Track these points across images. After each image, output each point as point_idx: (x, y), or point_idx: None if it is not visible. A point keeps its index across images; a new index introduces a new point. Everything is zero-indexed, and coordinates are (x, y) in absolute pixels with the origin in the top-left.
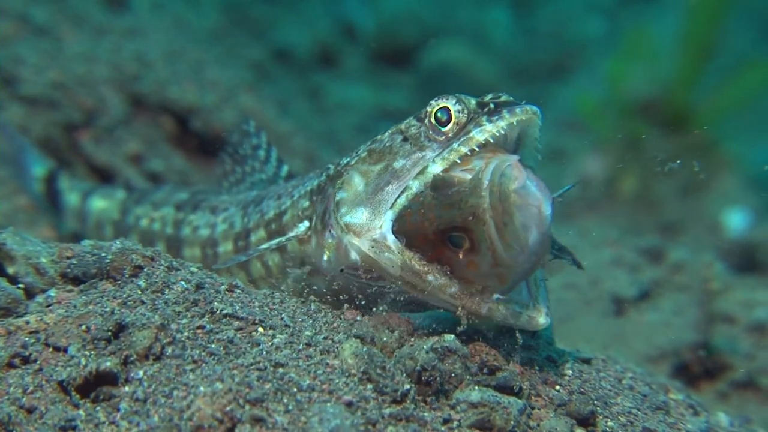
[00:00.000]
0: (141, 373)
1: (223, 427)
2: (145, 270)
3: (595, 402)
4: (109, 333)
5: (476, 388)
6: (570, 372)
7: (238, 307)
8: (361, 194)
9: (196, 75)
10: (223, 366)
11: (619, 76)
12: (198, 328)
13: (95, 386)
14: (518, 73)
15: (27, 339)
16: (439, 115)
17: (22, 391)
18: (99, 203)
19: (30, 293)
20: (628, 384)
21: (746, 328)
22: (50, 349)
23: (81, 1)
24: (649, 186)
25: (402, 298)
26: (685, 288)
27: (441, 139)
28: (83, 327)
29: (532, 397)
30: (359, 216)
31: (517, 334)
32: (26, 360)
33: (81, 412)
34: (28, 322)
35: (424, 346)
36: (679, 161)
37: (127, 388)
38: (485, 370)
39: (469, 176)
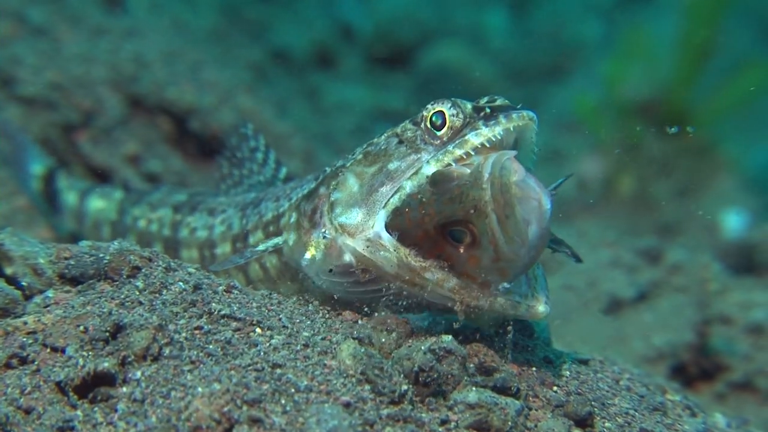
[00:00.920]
0: (139, 373)
1: (221, 427)
2: (143, 271)
3: (593, 403)
4: (107, 334)
5: (474, 388)
6: (567, 373)
7: (235, 308)
8: (356, 195)
9: (194, 75)
10: (221, 367)
11: (617, 78)
12: (196, 328)
13: (93, 387)
14: (516, 74)
15: (25, 340)
16: (434, 118)
17: (19, 392)
18: (97, 203)
19: (28, 294)
20: (626, 385)
21: (744, 329)
22: (48, 350)
23: (79, 2)
24: (647, 187)
25: (400, 302)
26: (683, 289)
27: (436, 142)
28: (81, 328)
29: (530, 398)
30: (354, 216)
31: (509, 336)
32: (24, 361)
33: (79, 412)
34: (26, 323)
35: (422, 347)
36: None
37: (124, 389)
38: (483, 371)
39: (468, 171)
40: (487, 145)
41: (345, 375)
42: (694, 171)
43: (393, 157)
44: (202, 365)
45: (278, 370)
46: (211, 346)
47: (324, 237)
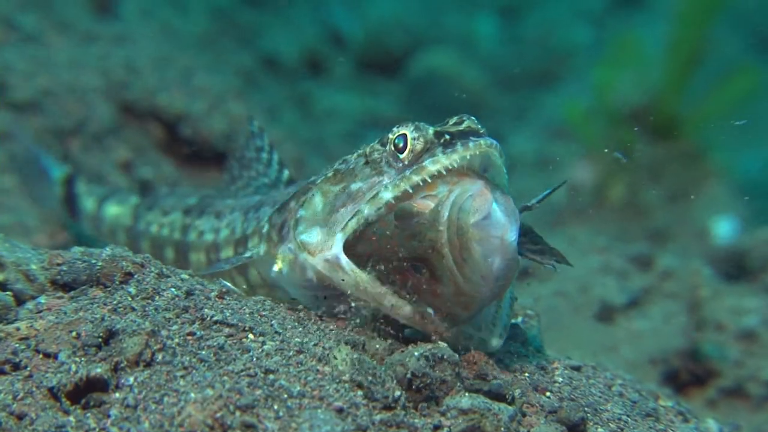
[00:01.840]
0: (131, 379)
1: None
2: (136, 277)
3: (586, 409)
4: (100, 339)
5: (467, 394)
6: (560, 379)
7: (228, 314)
8: (319, 214)
9: (184, 82)
10: (214, 372)
11: (607, 84)
12: (188, 334)
13: (85, 392)
14: (506, 80)
15: (17, 345)
16: (397, 141)
17: (12, 398)
18: (113, 209)
19: (20, 300)
20: (618, 391)
21: (735, 335)
22: (40, 356)
23: (68, 8)
24: (637, 193)
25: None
26: (674, 295)
27: (399, 165)
28: (73, 333)
29: (523, 404)
30: (314, 235)
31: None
32: (16, 366)
33: (71, 418)
34: (18, 329)
35: (415, 353)
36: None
37: (117, 395)
38: (476, 377)
39: (431, 204)
40: (444, 173)
41: (338, 380)
42: (685, 177)
43: (357, 178)
44: (194, 371)
45: (271, 376)
46: (203, 352)
47: (290, 251)
